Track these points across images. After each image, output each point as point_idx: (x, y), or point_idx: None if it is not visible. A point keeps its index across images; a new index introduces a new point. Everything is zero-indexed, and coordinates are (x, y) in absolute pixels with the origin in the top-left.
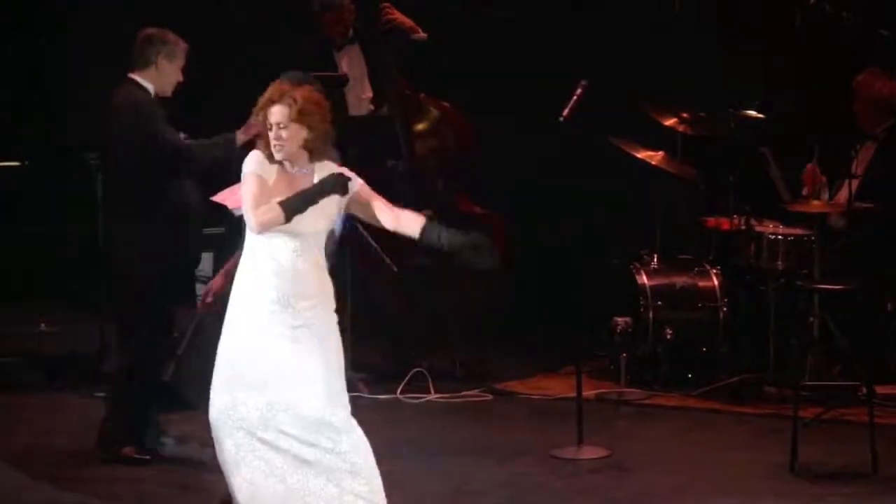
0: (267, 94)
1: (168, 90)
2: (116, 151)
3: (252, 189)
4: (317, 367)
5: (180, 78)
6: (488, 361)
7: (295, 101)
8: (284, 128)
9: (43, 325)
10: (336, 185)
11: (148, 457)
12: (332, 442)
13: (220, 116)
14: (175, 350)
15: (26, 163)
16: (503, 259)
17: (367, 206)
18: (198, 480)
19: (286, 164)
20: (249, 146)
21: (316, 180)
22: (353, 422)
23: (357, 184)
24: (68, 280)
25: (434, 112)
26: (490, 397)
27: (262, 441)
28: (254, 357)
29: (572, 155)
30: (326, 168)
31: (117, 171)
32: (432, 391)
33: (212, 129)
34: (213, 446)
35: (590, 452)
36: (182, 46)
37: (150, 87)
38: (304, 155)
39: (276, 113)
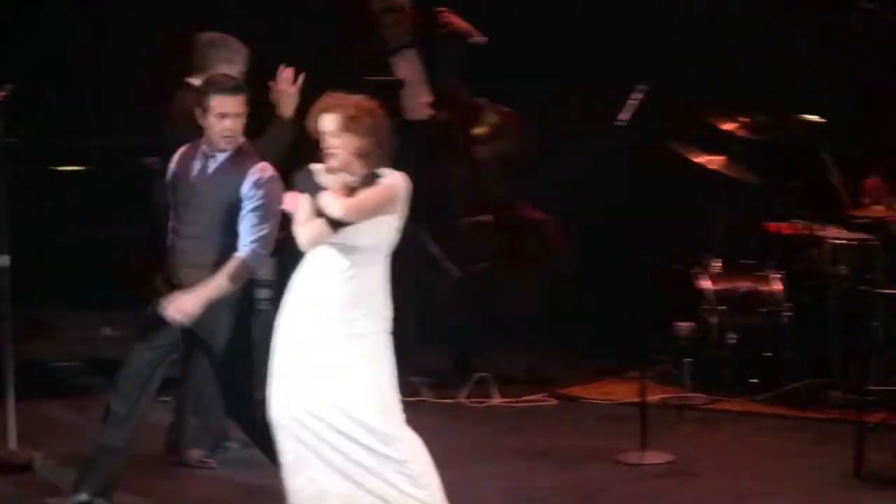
0: (318, 104)
1: None
2: None
3: (304, 206)
4: (368, 376)
5: None
6: (552, 366)
7: (345, 109)
8: (336, 136)
9: (107, 329)
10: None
11: (214, 462)
12: (388, 448)
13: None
14: None
15: (89, 167)
16: (564, 263)
17: None
18: (262, 484)
19: (342, 177)
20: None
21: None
22: (408, 429)
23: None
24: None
25: (493, 117)
26: (554, 402)
27: (324, 442)
28: (310, 360)
29: (632, 159)
30: (386, 175)
31: None
32: (496, 396)
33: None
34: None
35: (654, 457)
36: (241, 50)
37: None
38: (358, 163)
39: (327, 121)
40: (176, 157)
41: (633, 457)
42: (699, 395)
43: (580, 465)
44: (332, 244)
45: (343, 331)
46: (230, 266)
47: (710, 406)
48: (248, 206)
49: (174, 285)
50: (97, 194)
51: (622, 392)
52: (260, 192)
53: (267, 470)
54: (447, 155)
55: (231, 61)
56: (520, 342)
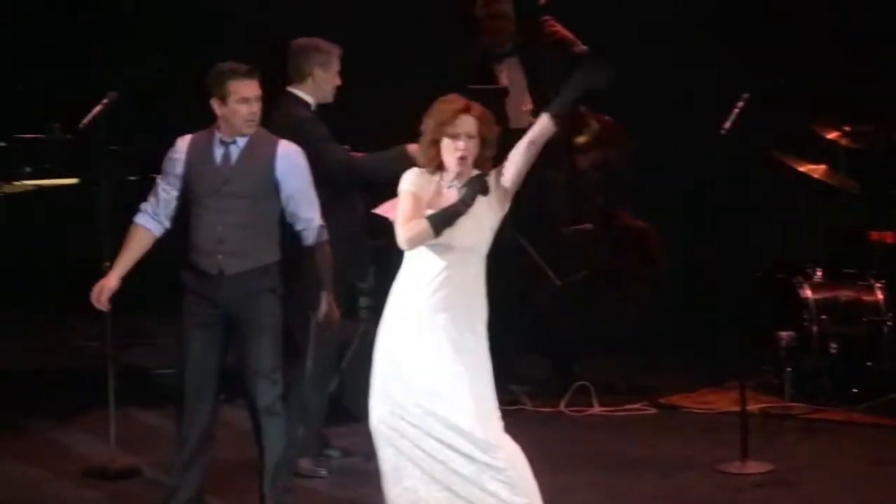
0: (453, 105)
1: (329, 97)
2: None
3: (405, 206)
4: (466, 383)
5: (338, 82)
6: (652, 375)
7: (479, 112)
8: (472, 139)
9: None
10: (473, 187)
11: (324, 471)
12: (487, 456)
13: (376, 127)
14: (340, 363)
15: None
16: (665, 271)
17: (512, 165)
18: (361, 493)
19: (443, 178)
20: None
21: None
22: (507, 437)
23: (493, 173)
24: None
25: (594, 125)
26: (654, 411)
27: (422, 450)
28: (409, 368)
29: (735, 168)
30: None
31: None
32: (596, 404)
33: (371, 139)
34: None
35: (754, 467)
36: (335, 53)
37: (309, 99)
38: (477, 170)
39: (468, 123)
40: (185, 146)
41: (732, 466)
42: (800, 404)
43: (680, 474)
44: (430, 245)
45: (438, 335)
46: (323, 253)
47: (811, 416)
48: (291, 185)
49: (210, 275)
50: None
51: (722, 401)
52: (298, 170)
53: (366, 479)
54: (549, 163)
55: (327, 65)
56: (620, 351)
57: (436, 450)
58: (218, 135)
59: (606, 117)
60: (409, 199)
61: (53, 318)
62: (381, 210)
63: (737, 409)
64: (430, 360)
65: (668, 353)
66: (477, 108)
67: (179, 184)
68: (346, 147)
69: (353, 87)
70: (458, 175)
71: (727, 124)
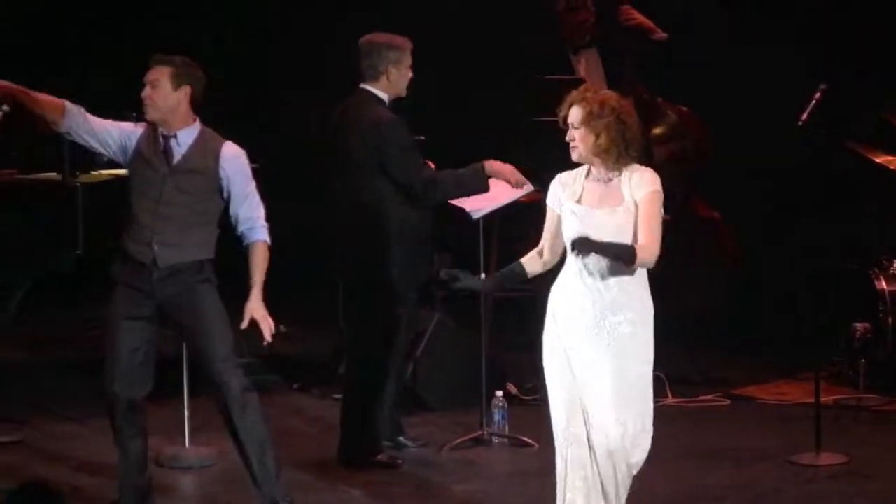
0: (572, 94)
1: (403, 92)
2: (355, 166)
3: (546, 222)
4: (611, 386)
5: (410, 75)
6: (726, 366)
7: (590, 104)
8: (576, 129)
9: (282, 326)
10: (623, 254)
11: (400, 461)
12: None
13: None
14: (413, 352)
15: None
16: (736, 263)
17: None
18: (432, 483)
19: (593, 171)
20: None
21: (624, 188)
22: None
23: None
24: (306, 281)
25: (672, 116)
26: (727, 402)
27: (590, 460)
28: (573, 375)
29: (811, 159)
30: (636, 173)
31: (355, 183)
32: (669, 395)
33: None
34: (449, 449)
35: (828, 458)
36: (408, 47)
37: (384, 95)
38: (600, 160)
39: (573, 114)
40: (138, 134)
41: (806, 458)
42: (873, 396)
43: (753, 466)
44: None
45: (601, 338)
46: (261, 253)
47: (885, 407)
48: (236, 186)
49: (138, 262)
50: (268, 191)
51: (796, 393)
52: (241, 173)
53: (438, 469)
54: None
55: (400, 61)
56: (694, 342)
57: (604, 461)
58: (161, 128)
59: (684, 108)
60: (547, 216)
61: None
62: (458, 201)
63: (811, 400)
64: (592, 363)
65: (741, 344)
66: (587, 101)
67: (119, 141)
68: (431, 164)
69: (430, 79)
70: (597, 166)
71: (804, 116)
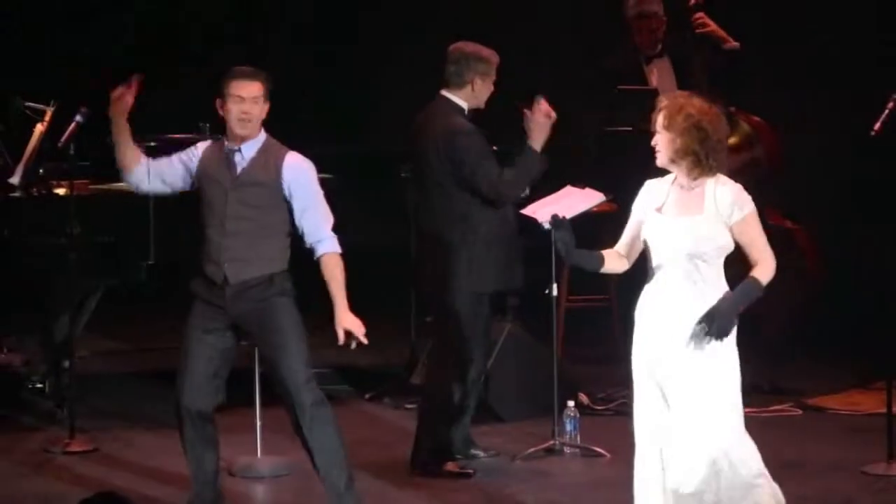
0: (659, 100)
1: (482, 104)
2: (433, 173)
3: (627, 226)
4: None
5: (492, 89)
6: (797, 376)
7: (670, 108)
8: (658, 133)
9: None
10: (753, 294)
11: (472, 470)
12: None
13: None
14: (486, 363)
15: (334, 175)
16: (813, 272)
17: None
18: (503, 493)
19: (678, 178)
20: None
21: (708, 197)
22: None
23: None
24: (381, 291)
25: (744, 126)
26: (799, 412)
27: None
28: (661, 386)
29: (885, 168)
30: (724, 186)
31: (433, 191)
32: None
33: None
34: (520, 459)
35: None
36: (495, 61)
37: (463, 105)
38: (678, 166)
39: (658, 118)
40: (201, 151)
41: (879, 468)
42: None
43: (826, 476)
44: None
45: (680, 347)
46: (333, 265)
47: None
48: (302, 198)
49: (214, 282)
50: (346, 201)
51: (868, 403)
52: (305, 183)
53: (509, 478)
54: None
55: (487, 74)
56: (765, 351)
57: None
58: (226, 143)
59: (756, 117)
60: (628, 222)
61: None
62: (529, 210)
63: (883, 410)
64: (679, 371)
65: (814, 355)
66: (668, 106)
67: (184, 172)
68: (497, 170)
69: (503, 88)
70: (679, 173)
71: (877, 125)
